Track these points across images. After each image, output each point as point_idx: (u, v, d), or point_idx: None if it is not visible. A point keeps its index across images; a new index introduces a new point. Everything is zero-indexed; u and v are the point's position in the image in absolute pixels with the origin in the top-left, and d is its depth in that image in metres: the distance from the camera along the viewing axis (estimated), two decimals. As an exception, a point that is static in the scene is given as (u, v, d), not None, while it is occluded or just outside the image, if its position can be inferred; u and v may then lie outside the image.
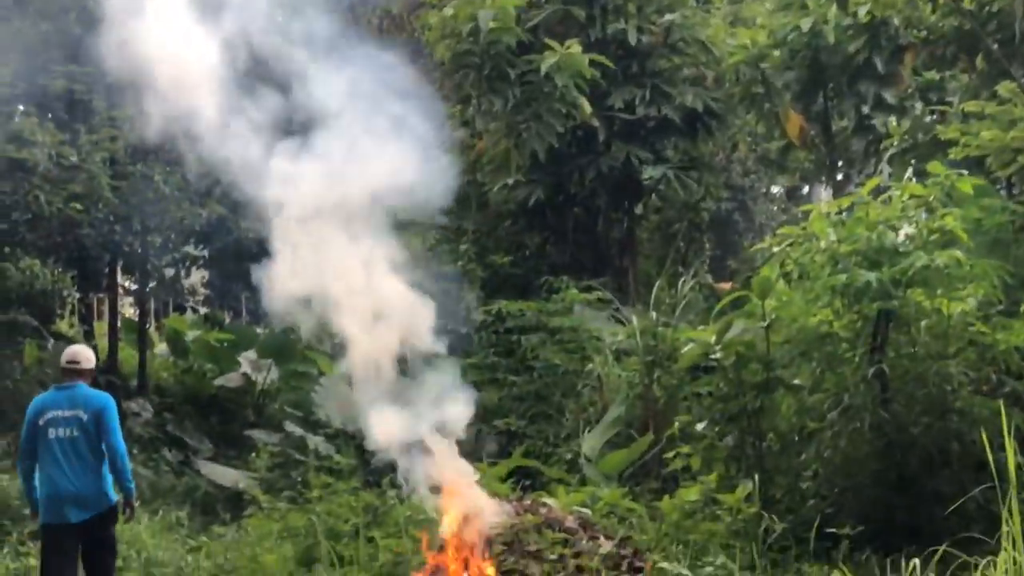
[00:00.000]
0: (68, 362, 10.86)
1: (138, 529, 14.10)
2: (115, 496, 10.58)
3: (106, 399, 10.74)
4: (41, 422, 10.47)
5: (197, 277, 24.54)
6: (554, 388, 18.33)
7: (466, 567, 10.27)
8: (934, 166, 11.96)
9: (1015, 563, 6.47)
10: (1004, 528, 6.65)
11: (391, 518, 13.21)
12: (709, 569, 10.06)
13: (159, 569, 13.23)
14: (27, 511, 11.59)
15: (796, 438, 12.62)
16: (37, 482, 10.54)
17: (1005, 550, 6.47)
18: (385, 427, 10.61)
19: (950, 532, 9.51)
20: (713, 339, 12.80)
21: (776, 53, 20.57)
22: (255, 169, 10.39)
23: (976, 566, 6.63)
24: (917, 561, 6.93)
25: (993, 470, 8.12)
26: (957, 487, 10.48)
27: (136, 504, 11.37)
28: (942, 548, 8.24)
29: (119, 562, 11.54)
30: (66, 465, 10.38)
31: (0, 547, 12.72)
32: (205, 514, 16.52)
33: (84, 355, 10.98)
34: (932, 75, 20.02)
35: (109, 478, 10.56)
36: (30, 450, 10.55)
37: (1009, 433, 7.28)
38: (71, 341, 20.29)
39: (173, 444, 19.94)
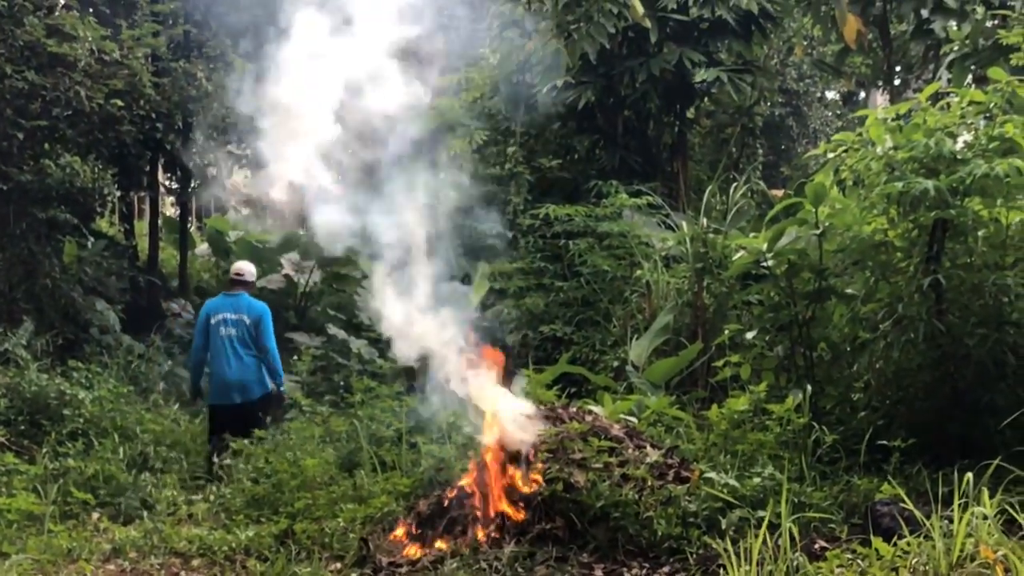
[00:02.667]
0: (235, 274, 14.27)
1: (178, 431, 14.28)
2: (269, 386, 13.96)
3: (264, 308, 14.11)
4: (212, 321, 13.89)
5: (240, 176, 24.53)
6: (601, 294, 18.34)
7: (510, 474, 10.36)
8: (995, 72, 11.78)
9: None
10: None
11: (435, 424, 13.31)
12: (757, 480, 10.07)
13: (200, 471, 13.43)
14: (66, 411, 13.80)
15: (848, 348, 12.59)
16: (208, 371, 13.99)
17: (1060, 465, 6.48)
18: (420, 332, 10.72)
19: (1004, 446, 9.50)
20: (765, 246, 12.75)
21: (835, -47, 20.27)
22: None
23: (1030, 481, 6.64)
24: (970, 475, 6.94)
25: (1050, 384, 8.12)
26: (1012, 400, 10.45)
27: (286, 398, 14.71)
28: (995, 462, 8.26)
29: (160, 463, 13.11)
30: (232, 358, 13.79)
31: (40, 446, 12.91)
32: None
33: (248, 269, 14.37)
34: (995, -23, 19.70)
35: (265, 371, 13.93)
36: (202, 344, 13.96)
37: (1067, 346, 7.25)
38: (111, 240, 20.51)
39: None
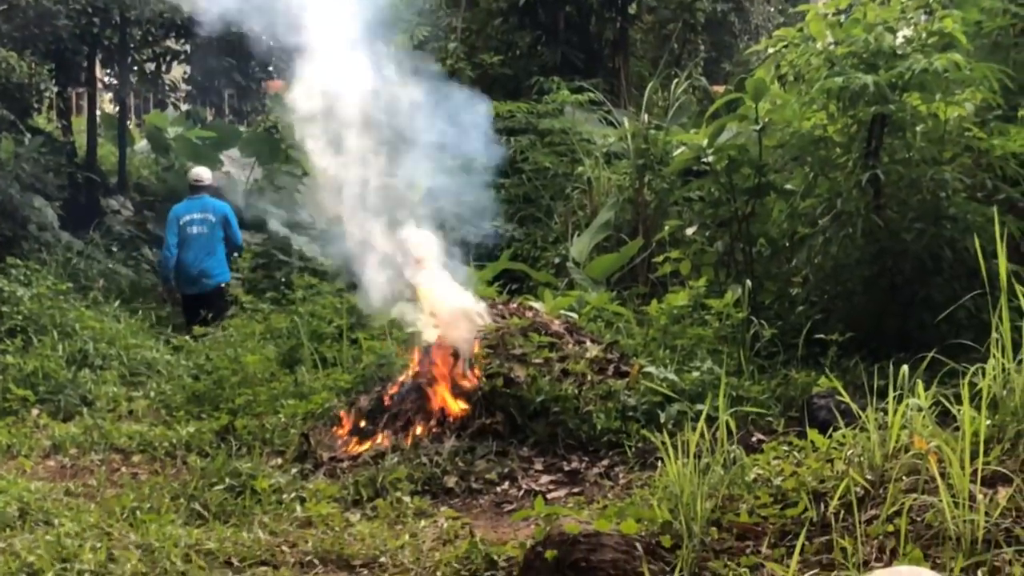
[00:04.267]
0: (194, 181, 16.07)
1: (118, 328, 14.19)
2: (228, 275, 15.83)
3: (227, 206, 16.15)
4: (182, 223, 15.58)
5: (179, 72, 24.18)
6: (543, 191, 18.31)
7: (451, 369, 10.35)
8: (934, -35, 11.76)
9: (1003, 369, 6.50)
10: (994, 335, 6.67)
11: (376, 320, 13.28)
12: (696, 374, 10.11)
13: (141, 367, 13.35)
14: (4, 308, 13.82)
15: (787, 244, 12.64)
16: (177, 265, 15.53)
17: (994, 356, 6.49)
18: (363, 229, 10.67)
19: (940, 339, 9.52)
20: (705, 143, 12.72)
21: None
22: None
23: (964, 373, 6.66)
24: (906, 368, 6.96)
25: (985, 277, 8.15)
26: (948, 294, 10.50)
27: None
28: (930, 355, 8.29)
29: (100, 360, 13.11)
30: (203, 252, 15.51)
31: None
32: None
33: (205, 175, 16.27)
34: None
35: (226, 262, 15.80)
36: (175, 243, 15.51)
37: (1002, 240, 7.25)
38: (48, 136, 20.18)
39: (153, 243, 19.91)
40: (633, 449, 9.37)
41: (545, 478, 9.24)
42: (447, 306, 10.69)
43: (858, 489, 6.17)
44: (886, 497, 5.97)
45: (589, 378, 10.20)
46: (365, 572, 7.36)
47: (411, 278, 10.76)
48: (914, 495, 5.89)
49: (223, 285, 15.67)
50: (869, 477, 6.22)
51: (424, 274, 10.79)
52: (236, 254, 16.11)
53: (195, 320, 14.62)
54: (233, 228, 15.87)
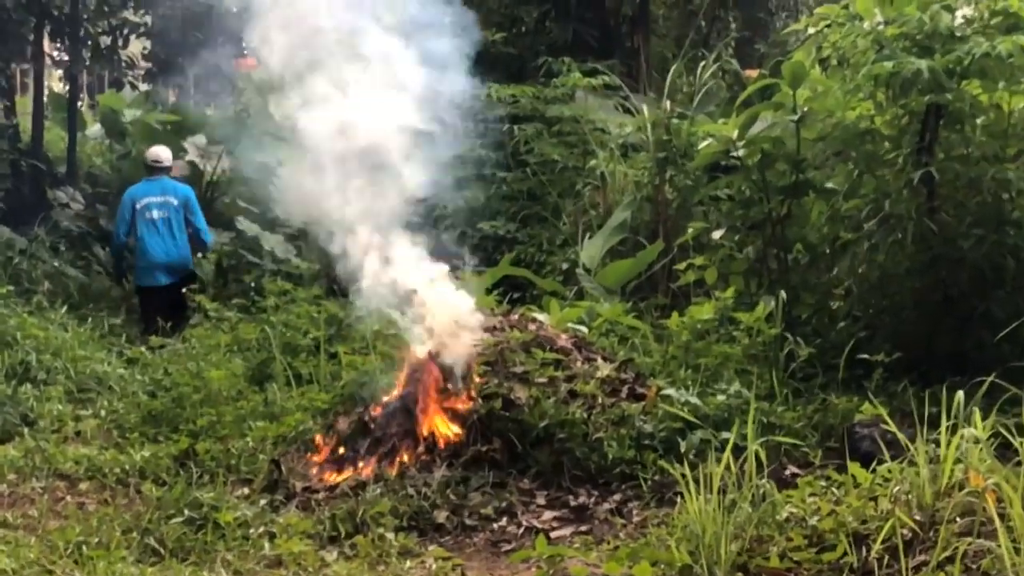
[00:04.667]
0: (153, 161, 16.57)
1: (65, 337, 14.17)
2: (192, 265, 16.49)
3: (188, 188, 16.80)
4: (138, 207, 16.08)
5: (137, 47, 24.21)
6: (550, 187, 18.32)
7: (441, 389, 10.34)
8: (1001, -64, 11.76)
9: (1072, 396, 6.50)
10: (1062, 357, 6.68)
11: (357, 332, 13.27)
12: (721, 397, 10.09)
13: (90, 382, 13.33)
14: None
15: (827, 250, 12.63)
16: (136, 253, 16.21)
17: (1062, 382, 6.50)
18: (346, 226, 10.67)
19: (1000, 361, 9.55)
20: (735, 134, 12.72)
21: None
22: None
23: (1028, 400, 6.67)
24: (961, 394, 6.96)
25: (1053, 291, 8.14)
26: (1010, 310, 10.51)
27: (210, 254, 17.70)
28: (989, 379, 8.29)
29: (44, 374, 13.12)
30: (161, 240, 15.99)
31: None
32: (142, 322, 16.59)
33: (164, 155, 16.75)
34: None
35: (188, 250, 16.27)
36: (127, 231, 16.18)
37: (1073, 249, 7.27)
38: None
39: (106, 241, 19.90)
40: (649, 482, 9.34)
41: (548, 514, 9.22)
42: (444, 316, 10.67)
43: (905, 531, 6.16)
44: (937, 540, 5.97)
45: (600, 401, 10.18)
46: (341, 619, 7.36)
47: (406, 282, 10.73)
48: (969, 539, 5.88)
49: (193, 273, 16.54)
50: (918, 517, 6.22)
51: (423, 277, 10.77)
52: (200, 252, 16.87)
53: (154, 319, 14.97)
54: (196, 214, 16.42)
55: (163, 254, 16.03)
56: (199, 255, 16.80)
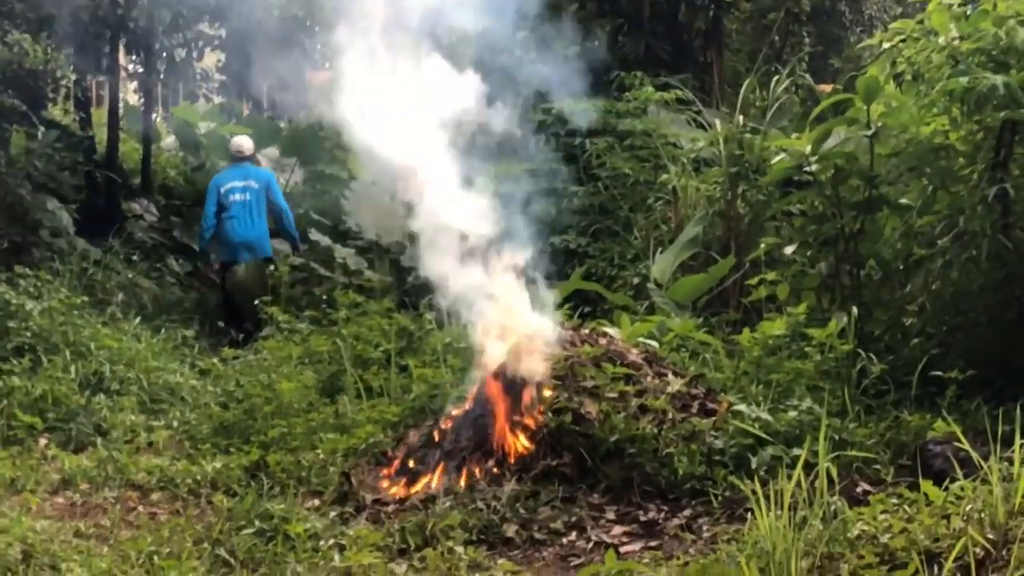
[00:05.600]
0: (236, 152, 18.13)
1: (138, 348, 14.27)
2: (271, 251, 17.72)
3: (270, 173, 18.42)
4: (222, 191, 17.47)
5: (211, 60, 24.38)
6: (621, 201, 18.29)
7: (512, 403, 10.34)
8: (1081, -51, 11.67)
9: None
10: None
11: (428, 344, 13.30)
12: (793, 413, 10.05)
13: (163, 393, 13.41)
14: (11, 323, 13.88)
15: (900, 267, 12.56)
16: (218, 235, 17.53)
17: None
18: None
19: (1075, 380, 9.49)
20: (808, 149, 12.67)
21: None
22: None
23: (1102, 419, 6.61)
24: (1035, 412, 6.93)
25: None
26: (1085, 327, 10.43)
27: (302, 247, 18.71)
28: (1064, 397, 8.23)
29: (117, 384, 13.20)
30: (244, 221, 17.34)
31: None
32: (216, 334, 16.69)
33: (246, 144, 18.18)
34: None
35: (266, 232, 17.61)
36: (214, 212, 17.44)
37: None
38: (64, 130, 20.39)
39: (180, 252, 20.08)
40: (719, 498, 9.31)
41: (618, 529, 9.20)
42: (516, 329, 10.67)
43: (978, 550, 6.13)
44: (1010, 559, 5.93)
45: (670, 416, 10.16)
46: (411, 632, 7.37)
47: (480, 294, 10.74)
48: (1042, 558, 5.84)
49: (266, 260, 17.45)
50: (991, 536, 6.18)
51: (503, 289, 10.77)
52: (289, 240, 18.30)
53: (233, 300, 17.03)
54: (277, 196, 17.74)
55: (243, 234, 17.34)
56: (290, 234, 18.09)
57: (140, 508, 10.02)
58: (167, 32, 22.26)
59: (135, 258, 19.07)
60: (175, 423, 12.31)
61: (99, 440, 11.74)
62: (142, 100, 25.22)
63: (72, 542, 8.76)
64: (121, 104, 24.46)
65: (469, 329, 11.28)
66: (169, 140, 26.94)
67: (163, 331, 15.64)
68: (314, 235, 19.08)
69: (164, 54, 23.02)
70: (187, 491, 10.31)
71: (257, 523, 8.76)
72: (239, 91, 24.14)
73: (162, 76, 23.99)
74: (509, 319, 10.71)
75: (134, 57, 24.74)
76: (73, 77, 20.52)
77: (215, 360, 13.94)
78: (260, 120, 24.26)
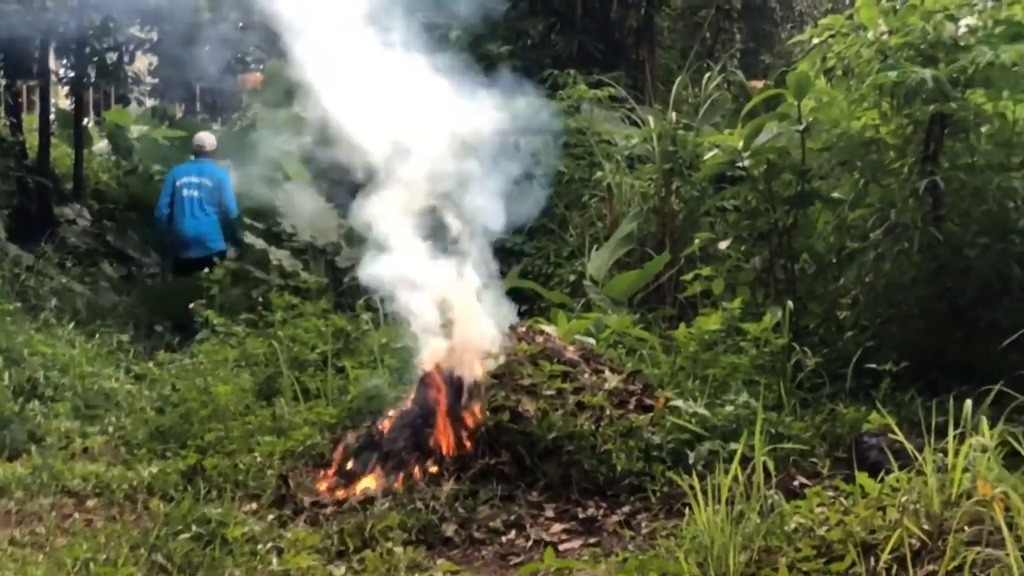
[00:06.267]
0: (196, 146, 18.55)
1: (72, 353, 14.16)
2: (223, 245, 18.03)
3: (225, 172, 18.50)
4: (178, 184, 18.04)
5: (143, 63, 24.25)
6: (557, 199, 18.29)
7: (449, 403, 10.32)
8: (1004, -55, 11.76)
9: (1081, 405, 6.48)
10: (1069, 366, 6.67)
11: (365, 345, 13.26)
12: (729, 408, 10.07)
13: (98, 399, 13.31)
14: None
15: (833, 260, 12.63)
16: (172, 228, 17.98)
17: (1070, 390, 6.48)
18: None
19: (1008, 370, 9.53)
20: (741, 144, 12.71)
21: None
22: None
23: (1035, 409, 6.65)
24: (968, 403, 6.95)
25: (1060, 300, 8.12)
26: (1017, 319, 10.48)
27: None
28: (997, 387, 8.28)
29: (51, 391, 13.05)
30: (192, 216, 17.87)
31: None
32: (150, 338, 16.59)
33: (208, 141, 18.69)
34: None
35: (215, 228, 17.99)
36: (167, 204, 18.03)
37: (1080, 257, 7.26)
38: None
39: (114, 257, 19.96)
40: (657, 494, 9.33)
41: (557, 526, 9.19)
42: (459, 328, 10.64)
43: (913, 541, 6.15)
44: (945, 550, 5.95)
45: (608, 412, 10.17)
46: (351, 634, 7.34)
47: (425, 293, 10.69)
48: (977, 548, 5.87)
49: (217, 255, 17.57)
50: (926, 527, 6.20)
51: (443, 288, 10.73)
52: (231, 236, 18.35)
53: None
54: (226, 195, 18.13)
55: (188, 228, 17.85)
56: (235, 234, 18.39)
57: (76, 515, 9.92)
58: (97, 36, 22.10)
59: (68, 263, 18.95)
60: (110, 429, 12.22)
61: (33, 447, 11.63)
62: (73, 104, 25.05)
63: (7, 550, 8.69)
64: (52, 109, 24.26)
65: (406, 329, 11.24)
66: (101, 144, 26.74)
67: (97, 336, 15.51)
68: (249, 238, 18.97)
69: (95, 58, 22.82)
70: (123, 497, 10.23)
71: (194, 528, 8.69)
72: (171, 94, 24.00)
73: (93, 80, 23.78)
74: (449, 318, 10.69)
75: (65, 61, 24.57)
76: (3, 82, 20.35)
77: (150, 365, 13.84)
78: (193, 123, 24.11)
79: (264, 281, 17.67)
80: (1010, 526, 5.73)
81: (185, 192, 17.99)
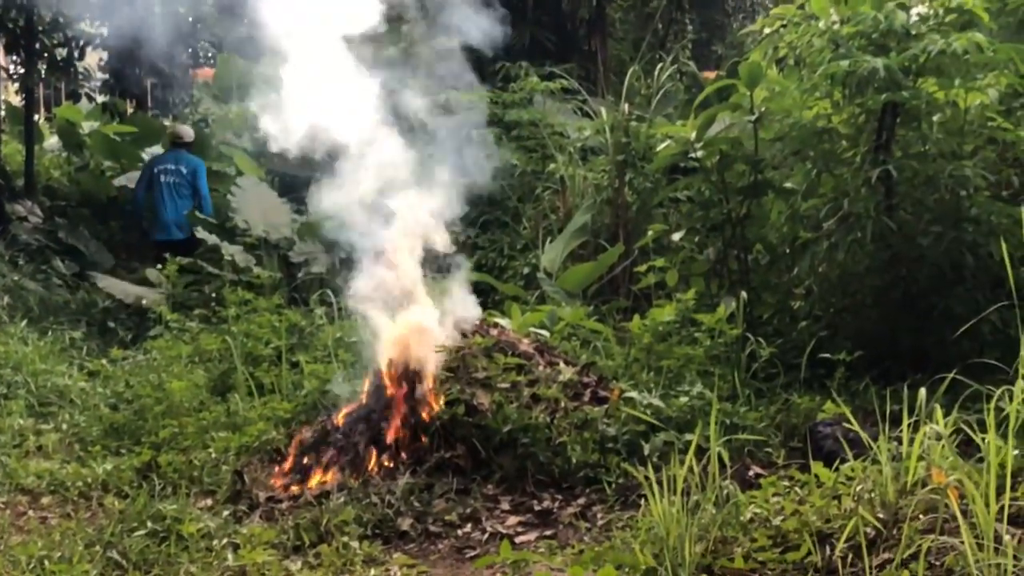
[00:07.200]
0: (174, 137, 19.77)
1: (25, 351, 14.07)
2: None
3: (199, 161, 19.75)
4: (156, 171, 19.34)
5: (93, 59, 24.06)
6: (510, 192, 18.27)
7: (404, 396, 10.30)
8: (954, -67, 11.78)
9: (1034, 392, 6.48)
10: (1023, 353, 6.67)
11: (319, 340, 13.22)
12: (683, 399, 10.09)
13: (51, 396, 13.22)
14: None
15: (787, 250, 12.64)
16: (150, 210, 19.42)
17: (1023, 377, 6.48)
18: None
19: (961, 358, 9.56)
20: (693, 135, 12.73)
21: None
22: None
23: (989, 396, 6.64)
24: (923, 391, 6.96)
25: (1012, 287, 8.14)
26: (971, 307, 10.52)
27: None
28: (951, 376, 8.30)
29: (4, 388, 12.91)
30: (170, 200, 19.15)
31: None
32: (103, 335, 16.49)
33: (186, 132, 20.08)
34: None
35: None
36: (144, 188, 19.54)
37: (1031, 245, 7.27)
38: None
39: (66, 254, 19.77)
40: (613, 485, 9.33)
41: (512, 519, 9.19)
42: (401, 322, 10.63)
43: (868, 529, 6.15)
44: (900, 538, 5.96)
45: (563, 405, 10.16)
46: (307, 629, 7.31)
47: (368, 287, 10.67)
48: (932, 536, 5.87)
49: (194, 238, 18.30)
50: (881, 516, 6.21)
51: (397, 280, 10.71)
52: (200, 206, 19.12)
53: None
54: (200, 183, 19.39)
55: (167, 212, 19.12)
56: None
57: (30, 512, 9.86)
58: (47, 31, 21.94)
59: (20, 260, 18.79)
60: (64, 426, 12.13)
61: (-14, 446, 11.56)
62: (23, 101, 24.85)
63: (-41, 550, 8.62)
64: (2, 105, 24.09)
65: (360, 323, 11.21)
66: (52, 141, 26.55)
67: (50, 333, 15.42)
68: (201, 233, 18.88)
69: (45, 53, 22.66)
70: (78, 494, 10.17)
71: (149, 524, 8.64)
72: (122, 90, 23.83)
73: (43, 76, 23.60)
74: (403, 312, 10.67)
75: (14, 57, 24.38)
76: (-49, 78, 20.22)
77: (104, 362, 13.75)
78: (144, 118, 23.93)
79: (217, 277, 17.57)
80: (965, 513, 5.74)
81: (163, 178, 19.22)
